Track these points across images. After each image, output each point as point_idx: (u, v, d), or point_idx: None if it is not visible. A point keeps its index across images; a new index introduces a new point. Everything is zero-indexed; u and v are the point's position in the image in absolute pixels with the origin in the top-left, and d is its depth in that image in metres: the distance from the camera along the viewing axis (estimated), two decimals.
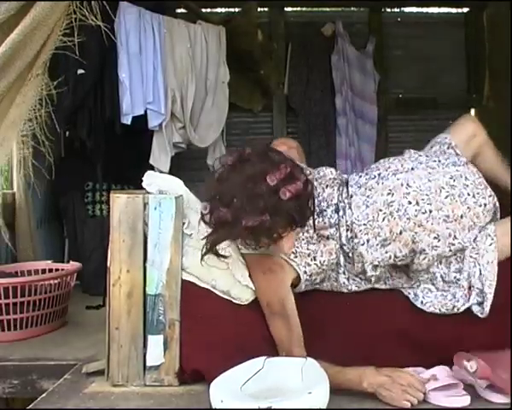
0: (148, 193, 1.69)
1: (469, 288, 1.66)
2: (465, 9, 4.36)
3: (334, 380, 1.42)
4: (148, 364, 1.63)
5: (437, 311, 1.67)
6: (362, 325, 1.72)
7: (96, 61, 2.71)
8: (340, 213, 1.69)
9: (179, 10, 3.85)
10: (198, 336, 1.63)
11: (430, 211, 1.61)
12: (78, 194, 3.19)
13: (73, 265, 2.55)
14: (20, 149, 2.67)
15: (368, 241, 1.65)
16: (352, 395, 1.50)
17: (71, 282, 2.41)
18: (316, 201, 1.63)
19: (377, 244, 1.65)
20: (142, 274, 1.65)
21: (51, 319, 2.28)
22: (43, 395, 1.61)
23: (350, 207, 1.69)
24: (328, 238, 1.69)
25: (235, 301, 1.68)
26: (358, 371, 1.50)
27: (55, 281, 2.29)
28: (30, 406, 1.53)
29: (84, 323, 2.41)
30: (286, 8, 4.26)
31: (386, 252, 1.65)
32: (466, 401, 1.43)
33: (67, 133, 3.12)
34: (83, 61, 2.53)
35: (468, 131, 1.87)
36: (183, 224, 1.67)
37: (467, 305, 1.64)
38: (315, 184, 1.69)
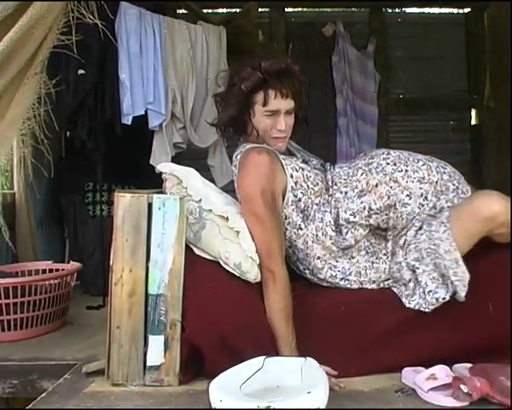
0: (153, 193, 1.71)
1: (442, 277, 1.67)
2: (466, 10, 4.36)
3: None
4: (149, 364, 1.63)
5: (427, 310, 1.67)
6: (361, 325, 1.72)
7: (97, 62, 2.70)
8: (326, 171, 1.88)
9: (180, 11, 3.85)
10: (200, 313, 1.64)
11: (406, 170, 1.75)
12: (78, 194, 3.19)
13: (73, 265, 2.55)
14: (20, 148, 2.69)
15: (346, 193, 1.78)
16: (352, 395, 1.50)
17: (71, 282, 2.41)
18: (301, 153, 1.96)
19: (354, 196, 1.76)
20: (145, 274, 1.65)
21: (51, 319, 2.28)
22: (43, 394, 1.61)
23: (334, 168, 1.88)
24: (314, 168, 1.87)
25: (244, 276, 1.70)
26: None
27: (56, 281, 2.29)
28: (29, 406, 1.53)
29: (84, 323, 2.41)
30: (286, 9, 4.26)
31: (362, 203, 1.75)
32: (466, 400, 1.43)
33: (68, 134, 3.12)
34: (83, 61, 2.54)
35: None
36: (200, 200, 1.75)
37: (449, 293, 1.65)
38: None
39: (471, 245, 1.67)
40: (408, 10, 4.47)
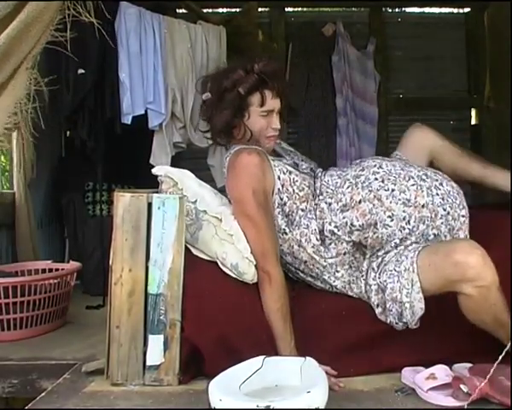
0: (153, 192, 1.71)
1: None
2: (466, 10, 4.36)
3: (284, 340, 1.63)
4: (148, 363, 1.63)
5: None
6: (360, 326, 1.72)
7: (97, 61, 2.70)
8: (316, 177, 1.86)
9: (180, 10, 3.85)
10: (199, 312, 1.65)
11: (392, 190, 1.68)
12: (78, 194, 3.19)
13: (73, 264, 2.55)
14: (19, 148, 2.68)
15: (330, 204, 1.74)
16: (351, 394, 1.50)
17: (71, 281, 2.40)
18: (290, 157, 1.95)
19: (337, 209, 1.73)
20: (144, 273, 1.65)
21: (51, 319, 2.27)
22: (43, 394, 1.60)
23: (324, 175, 1.85)
24: (303, 172, 1.85)
25: (242, 277, 1.70)
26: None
27: (55, 281, 2.29)
28: (29, 405, 1.53)
29: (83, 323, 2.41)
30: (286, 9, 4.26)
31: (344, 218, 1.71)
32: (465, 400, 1.43)
33: (68, 133, 3.12)
34: (83, 61, 2.54)
35: (414, 141, 1.93)
36: (196, 201, 1.75)
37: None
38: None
39: (438, 287, 1.53)
40: (408, 10, 4.47)
